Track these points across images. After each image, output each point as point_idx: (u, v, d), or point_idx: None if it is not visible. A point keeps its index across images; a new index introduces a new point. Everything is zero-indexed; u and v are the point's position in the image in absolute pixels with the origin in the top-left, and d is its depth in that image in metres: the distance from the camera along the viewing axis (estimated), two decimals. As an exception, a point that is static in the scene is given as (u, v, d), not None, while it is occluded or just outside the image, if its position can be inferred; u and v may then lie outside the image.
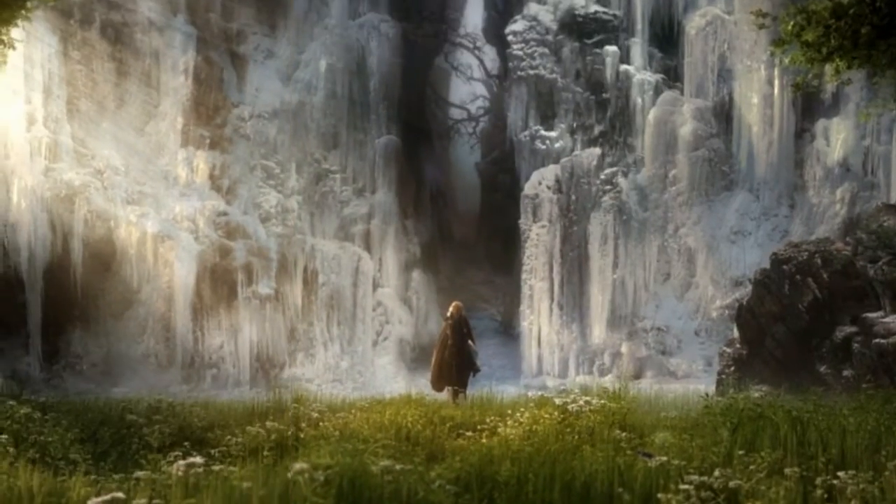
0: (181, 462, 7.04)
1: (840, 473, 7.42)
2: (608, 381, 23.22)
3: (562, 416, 11.36)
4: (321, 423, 11.81)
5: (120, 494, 6.16)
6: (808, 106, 28.08)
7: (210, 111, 28.87)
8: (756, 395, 13.42)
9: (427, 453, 9.72)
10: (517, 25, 30.60)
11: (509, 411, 12.41)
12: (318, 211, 29.76)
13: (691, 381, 24.91)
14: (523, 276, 29.22)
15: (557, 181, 29.17)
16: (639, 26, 30.26)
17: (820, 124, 27.88)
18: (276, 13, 30.31)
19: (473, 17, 38.33)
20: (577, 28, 30.21)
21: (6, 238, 25.32)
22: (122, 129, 27.70)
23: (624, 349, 27.70)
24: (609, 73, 29.79)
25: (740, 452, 8.51)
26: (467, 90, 41.92)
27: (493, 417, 12.13)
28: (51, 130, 26.36)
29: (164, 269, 26.93)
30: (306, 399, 14.65)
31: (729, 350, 22.77)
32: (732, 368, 21.98)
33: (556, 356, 28.37)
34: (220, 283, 27.41)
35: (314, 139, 30.04)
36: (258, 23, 30.00)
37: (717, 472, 7.23)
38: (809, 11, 12.64)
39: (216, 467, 7.28)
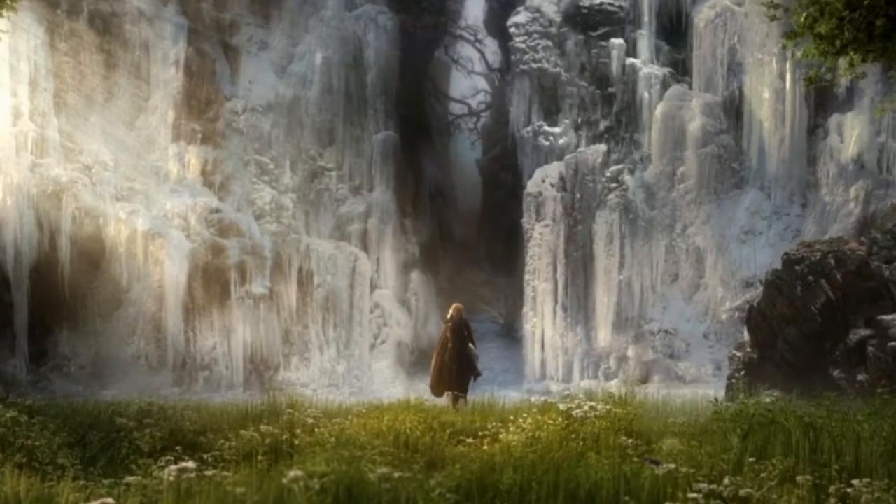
0: (173, 467, 7.27)
1: (854, 481, 7.51)
2: (614, 385, 23.15)
3: (566, 421, 11.39)
4: (317, 430, 11.75)
5: (110, 500, 6.38)
6: (822, 101, 27.90)
7: (202, 104, 28.72)
8: (767, 400, 13.30)
9: (426, 460, 9.71)
10: (519, 17, 30.49)
11: (511, 417, 12.36)
12: (313, 209, 29.54)
13: (700, 385, 24.82)
14: (526, 276, 29.00)
15: (561, 178, 29.05)
16: (645, 18, 30.00)
17: (833, 120, 27.67)
18: (270, 3, 30.16)
19: (474, 8, 38.36)
20: (582, 20, 30.11)
21: (-9, 236, 25.25)
22: (111, 124, 27.52)
23: (630, 352, 27.47)
24: (615, 67, 29.62)
25: (751, 460, 8.57)
26: (468, 84, 42.18)
27: (494, 423, 12.14)
28: (37, 124, 26.17)
29: (155, 268, 26.75)
30: (301, 404, 14.67)
31: (739, 353, 22.68)
32: (743, 373, 21.86)
33: (560, 360, 28.16)
34: (212, 282, 27.14)
35: (309, 135, 29.84)
36: (251, 13, 29.89)
37: (726, 480, 7.32)
38: (823, 3, 12.35)
39: (209, 472, 7.42)
